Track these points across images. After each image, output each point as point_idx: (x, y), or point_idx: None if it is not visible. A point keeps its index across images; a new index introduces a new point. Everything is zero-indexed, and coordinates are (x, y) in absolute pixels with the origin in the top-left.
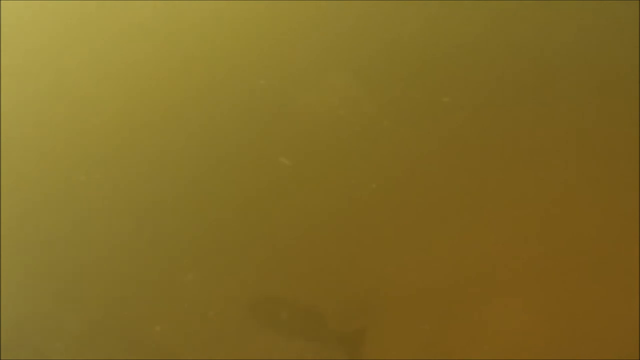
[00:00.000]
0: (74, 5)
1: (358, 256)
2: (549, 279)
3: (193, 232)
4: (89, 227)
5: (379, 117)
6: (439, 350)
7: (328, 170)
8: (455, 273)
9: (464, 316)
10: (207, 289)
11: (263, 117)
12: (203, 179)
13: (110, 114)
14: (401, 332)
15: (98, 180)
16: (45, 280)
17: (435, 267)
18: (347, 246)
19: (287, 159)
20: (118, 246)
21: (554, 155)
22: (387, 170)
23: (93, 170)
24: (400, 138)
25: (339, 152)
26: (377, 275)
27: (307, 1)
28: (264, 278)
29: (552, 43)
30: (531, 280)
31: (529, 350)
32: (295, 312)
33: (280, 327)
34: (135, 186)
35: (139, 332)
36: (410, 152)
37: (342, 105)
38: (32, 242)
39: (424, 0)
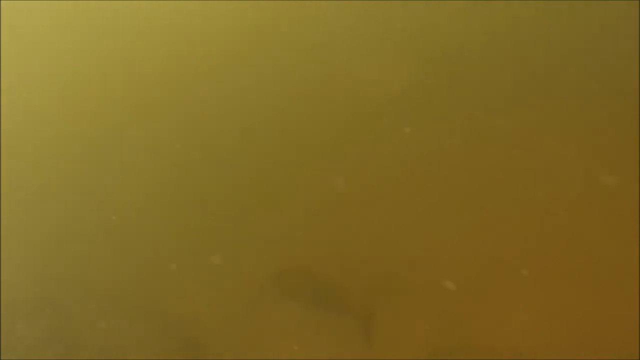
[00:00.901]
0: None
1: (383, 237)
2: (563, 273)
3: (226, 210)
4: (124, 211)
5: (428, 94)
6: (455, 334)
7: (367, 147)
8: (475, 262)
9: (482, 303)
10: (235, 265)
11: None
12: (232, 162)
13: (147, 94)
14: (417, 314)
15: (130, 165)
16: (79, 247)
17: (457, 255)
18: (373, 227)
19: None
20: (150, 231)
21: (558, 156)
22: (427, 153)
23: (124, 153)
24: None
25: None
26: (400, 257)
27: None
28: (290, 255)
29: (557, 41)
30: (547, 271)
31: (544, 335)
32: (318, 286)
33: (303, 300)
34: (164, 172)
35: (168, 307)
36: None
37: (398, 80)
38: (70, 207)
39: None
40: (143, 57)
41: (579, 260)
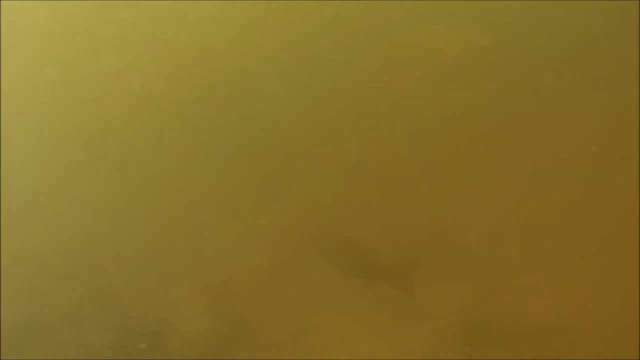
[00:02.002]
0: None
1: (418, 205)
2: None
3: (268, 181)
4: (161, 177)
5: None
6: (491, 302)
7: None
8: (505, 233)
9: (510, 274)
10: (271, 230)
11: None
12: (272, 128)
13: (177, 78)
14: (453, 282)
15: (168, 132)
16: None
17: (495, 223)
18: (409, 194)
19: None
20: (187, 197)
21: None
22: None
23: (163, 122)
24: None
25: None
26: (437, 225)
27: None
28: (328, 219)
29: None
30: (584, 241)
31: (582, 306)
32: (353, 250)
33: (338, 263)
34: (203, 139)
35: (206, 273)
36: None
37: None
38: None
39: None
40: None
41: (614, 233)
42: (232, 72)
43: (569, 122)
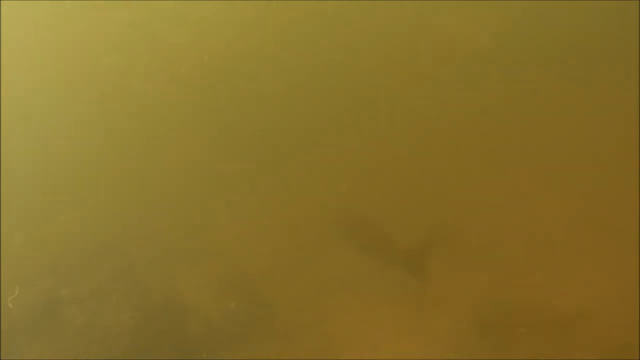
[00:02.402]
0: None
1: (438, 191)
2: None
3: (287, 166)
4: (185, 161)
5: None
6: (501, 288)
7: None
8: (521, 221)
9: (528, 262)
10: (292, 212)
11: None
12: (295, 108)
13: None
14: (471, 267)
15: (188, 116)
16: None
17: (505, 214)
18: (430, 180)
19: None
20: (211, 181)
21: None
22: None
23: (187, 105)
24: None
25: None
26: (458, 210)
27: None
28: (348, 203)
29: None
30: (608, 229)
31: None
32: (371, 231)
33: (356, 243)
34: (233, 131)
35: (229, 255)
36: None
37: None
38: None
39: None
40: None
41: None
42: (253, 60)
43: (577, 113)
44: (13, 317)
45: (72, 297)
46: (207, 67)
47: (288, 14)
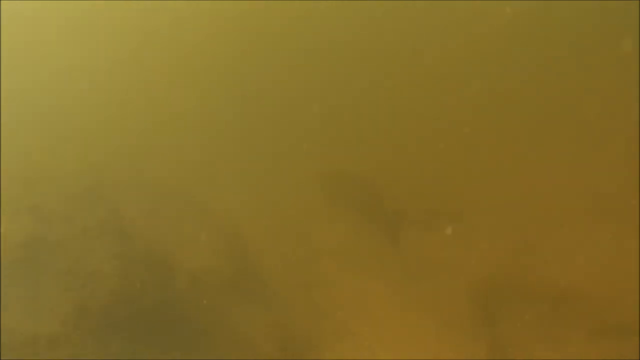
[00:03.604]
0: None
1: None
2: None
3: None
4: (175, 113)
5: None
6: (502, 259)
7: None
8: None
9: (526, 237)
10: (284, 169)
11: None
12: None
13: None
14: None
15: (178, 75)
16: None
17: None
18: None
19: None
20: (214, 140)
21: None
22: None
23: (180, 57)
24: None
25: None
26: (450, 182)
27: None
28: (338, 159)
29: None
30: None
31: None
32: (365, 193)
33: (348, 205)
34: (228, 93)
35: (216, 207)
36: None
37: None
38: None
39: None
40: None
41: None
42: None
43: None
44: None
45: (55, 240)
46: (201, 31)
47: None
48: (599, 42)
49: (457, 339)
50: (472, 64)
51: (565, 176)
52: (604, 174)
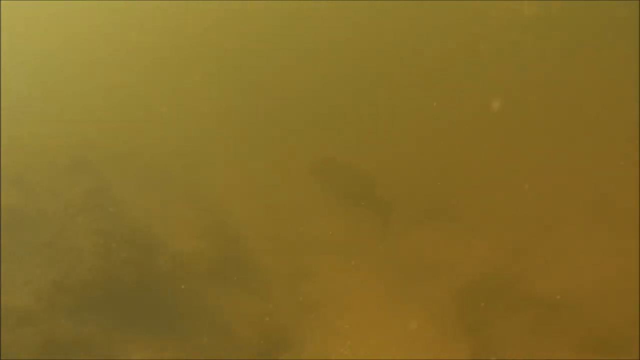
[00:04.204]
0: None
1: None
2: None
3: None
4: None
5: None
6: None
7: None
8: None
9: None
10: (278, 160)
11: None
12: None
13: None
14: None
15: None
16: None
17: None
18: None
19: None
20: (205, 125)
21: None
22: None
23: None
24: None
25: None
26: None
27: None
28: (328, 145)
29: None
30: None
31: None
32: (352, 178)
33: (337, 190)
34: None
35: (204, 191)
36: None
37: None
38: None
39: None
40: None
41: None
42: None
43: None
44: None
45: (36, 213)
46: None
47: None
48: (599, 42)
49: (442, 340)
50: (472, 63)
51: (565, 176)
52: (604, 173)
